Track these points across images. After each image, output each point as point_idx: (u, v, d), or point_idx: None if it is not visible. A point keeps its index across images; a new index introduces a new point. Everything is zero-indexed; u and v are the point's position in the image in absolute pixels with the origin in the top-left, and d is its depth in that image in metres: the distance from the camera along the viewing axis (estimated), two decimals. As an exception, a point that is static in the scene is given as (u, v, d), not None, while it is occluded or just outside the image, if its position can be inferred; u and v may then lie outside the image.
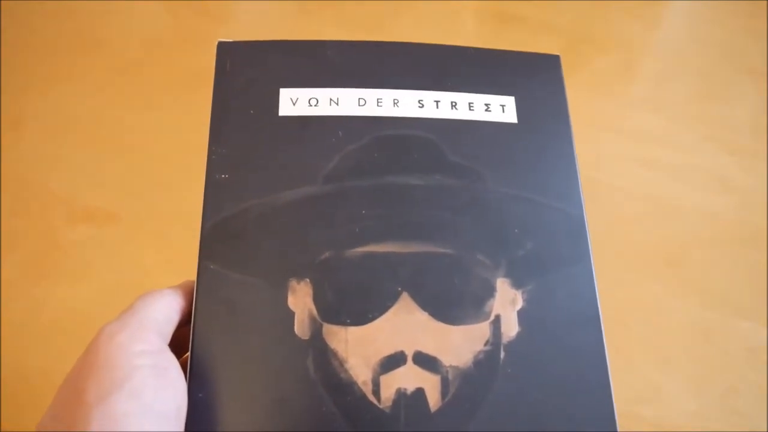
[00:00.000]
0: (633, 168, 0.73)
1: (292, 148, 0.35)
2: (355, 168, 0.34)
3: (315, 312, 0.32)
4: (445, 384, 0.31)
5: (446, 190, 0.34)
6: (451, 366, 0.31)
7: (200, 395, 0.30)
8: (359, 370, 0.31)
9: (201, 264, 0.33)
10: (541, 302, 0.33)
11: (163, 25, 0.86)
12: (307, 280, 0.32)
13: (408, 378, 0.31)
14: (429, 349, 0.32)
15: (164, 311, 0.31)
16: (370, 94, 0.36)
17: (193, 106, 0.67)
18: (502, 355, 0.32)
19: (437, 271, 0.33)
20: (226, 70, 0.37)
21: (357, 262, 0.33)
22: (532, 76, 0.38)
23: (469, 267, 0.33)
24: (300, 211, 0.34)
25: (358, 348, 0.31)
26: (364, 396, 0.31)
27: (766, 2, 0.90)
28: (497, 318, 0.32)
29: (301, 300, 0.32)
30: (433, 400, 0.31)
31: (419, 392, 0.31)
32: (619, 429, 0.31)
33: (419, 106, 0.36)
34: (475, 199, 0.34)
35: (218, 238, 0.33)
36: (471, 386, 0.31)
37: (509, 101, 0.37)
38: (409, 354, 0.31)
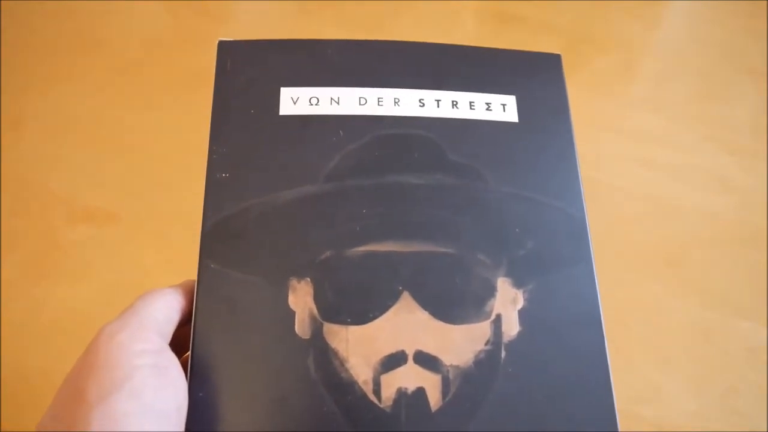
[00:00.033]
0: (633, 168, 0.73)
1: (293, 147, 0.35)
2: (355, 167, 0.34)
3: (315, 311, 0.32)
4: (445, 383, 0.31)
5: (447, 189, 0.34)
6: (451, 365, 0.31)
7: (201, 394, 0.30)
8: (360, 370, 0.31)
9: (202, 263, 0.33)
10: (542, 302, 0.33)
11: (163, 25, 0.86)
12: (308, 279, 0.32)
13: (409, 377, 0.31)
14: (430, 349, 0.31)
15: (165, 310, 0.31)
16: (371, 93, 0.36)
17: (193, 106, 0.67)
18: (503, 354, 0.32)
19: (438, 270, 0.33)
20: (227, 69, 0.36)
21: (358, 261, 0.33)
22: (533, 75, 0.38)
23: (469, 266, 0.33)
24: (301, 210, 0.33)
25: (358, 347, 0.31)
26: (364, 395, 0.31)
27: (766, 2, 0.90)
28: (498, 317, 0.32)
29: (301, 299, 0.32)
30: (434, 399, 0.31)
31: (420, 392, 0.31)
32: (620, 429, 0.31)
33: (420, 105, 0.36)
34: (476, 199, 0.34)
35: (219, 237, 0.33)
36: (472, 386, 0.31)
37: (510, 100, 0.37)
38: (410, 353, 0.31)
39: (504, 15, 0.88)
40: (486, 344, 0.32)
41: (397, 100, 0.36)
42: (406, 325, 0.32)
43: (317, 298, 0.32)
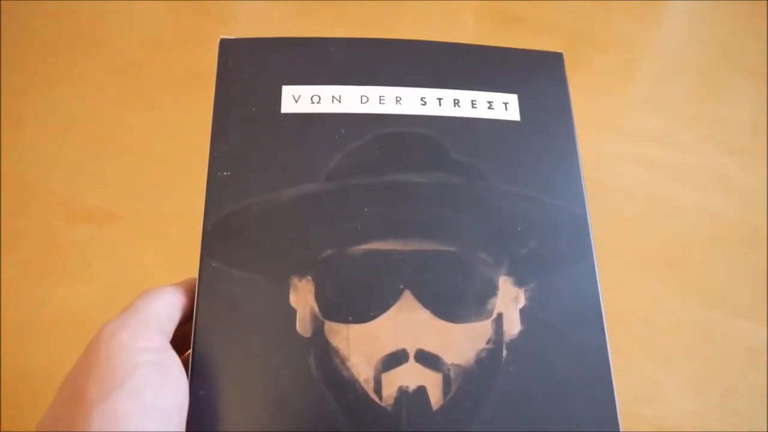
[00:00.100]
0: (633, 168, 0.73)
1: (294, 145, 0.35)
2: (357, 166, 0.34)
3: (317, 309, 0.32)
4: (446, 382, 0.31)
5: (448, 187, 0.34)
6: (453, 364, 0.31)
7: (202, 393, 0.30)
8: (361, 368, 0.31)
9: (203, 261, 0.32)
10: (544, 300, 0.33)
11: (163, 25, 0.86)
12: (309, 277, 0.32)
13: (410, 376, 0.31)
14: (431, 347, 0.31)
15: (166, 308, 0.31)
16: (373, 91, 0.36)
17: (193, 106, 0.67)
18: (504, 353, 0.32)
19: (439, 268, 0.33)
20: (228, 67, 0.36)
21: (359, 259, 0.33)
22: (536, 74, 0.38)
23: (471, 265, 0.33)
24: (302, 208, 0.33)
25: (359, 346, 0.31)
26: (365, 394, 0.31)
27: (766, 2, 0.90)
28: (499, 316, 0.32)
29: (303, 297, 0.32)
30: (435, 398, 0.31)
31: (421, 390, 0.31)
32: (621, 428, 0.31)
33: (422, 104, 0.36)
34: (478, 197, 0.34)
35: (220, 236, 0.33)
36: (473, 384, 0.31)
37: (512, 99, 0.37)
38: (411, 352, 0.31)
39: (504, 15, 0.88)
40: (487, 343, 0.32)
41: (398, 99, 0.36)
42: (407, 323, 0.32)
43: (318, 297, 0.32)
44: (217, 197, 0.34)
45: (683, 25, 0.91)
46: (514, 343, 0.32)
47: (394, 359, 0.31)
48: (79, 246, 0.65)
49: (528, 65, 0.38)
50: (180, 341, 0.31)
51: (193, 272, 0.33)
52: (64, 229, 0.66)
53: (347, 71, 0.37)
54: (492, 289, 0.33)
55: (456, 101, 0.36)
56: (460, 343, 0.32)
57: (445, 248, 0.33)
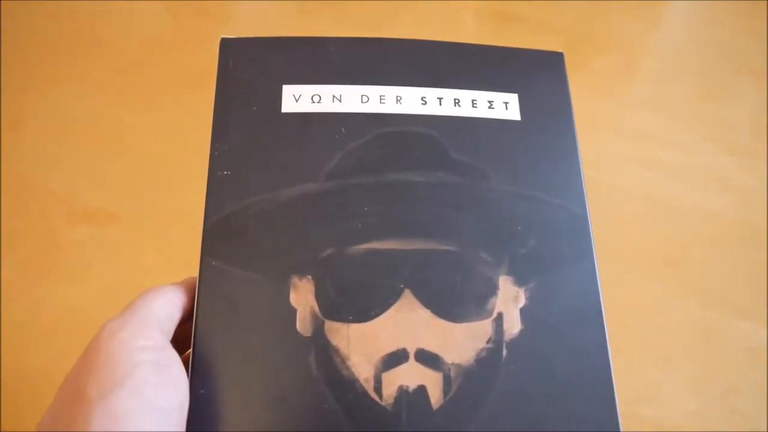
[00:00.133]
0: (633, 168, 0.73)
1: (295, 144, 0.35)
2: (357, 165, 0.34)
3: (317, 309, 0.32)
4: (447, 381, 0.31)
5: (449, 187, 0.34)
6: (453, 363, 0.31)
7: (202, 392, 0.30)
8: (361, 368, 0.31)
9: (203, 260, 0.32)
10: (544, 300, 0.33)
11: (163, 25, 0.86)
12: (309, 276, 0.32)
13: (410, 375, 0.31)
14: (431, 347, 0.31)
15: (166, 308, 0.31)
16: (373, 90, 0.36)
17: (193, 106, 0.67)
18: (505, 352, 0.32)
19: (439, 268, 0.33)
20: (229, 66, 0.36)
21: (359, 259, 0.33)
22: (536, 74, 0.38)
23: (471, 264, 0.33)
24: (302, 208, 0.33)
25: (359, 345, 0.31)
26: (365, 393, 0.31)
27: (766, 2, 0.90)
28: (499, 315, 0.32)
29: (303, 297, 0.32)
30: (435, 397, 0.31)
31: (421, 390, 0.31)
32: (621, 428, 0.31)
33: (422, 103, 0.36)
34: (478, 197, 0.34)
35: (220, 235, 0.33)
36: (473, 384, 0.31)
37: (512, 98, 0.37)
38: (411, 351, 0.31)
39: (504, 15, 0.88)
40: (487, 342, 0.32)
41: (399, 98, 0.36)
42: (407, 323, 0.32)
43: (318, 296, 0.32)
44: (217, 197, 0.34)
45: (683, 25, 0.91)
46: (514, 343, 0.32)
47: (395, 358, 0.31)
48: (79, 246, 0.65)
49: (528, 65, 0.38)
50: (180, 341, 0.31)
51: (193, 272, 0.33)
52: (64, 229, 0.66)
53: (348, 71, 0.37)
54: (492, 289, 0.33)
55: (456, 101, 0.36)
56: (461, 342, 0.32)
57: (445, 248, 0.33)
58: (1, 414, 0.55)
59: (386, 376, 0.31)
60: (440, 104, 0.36)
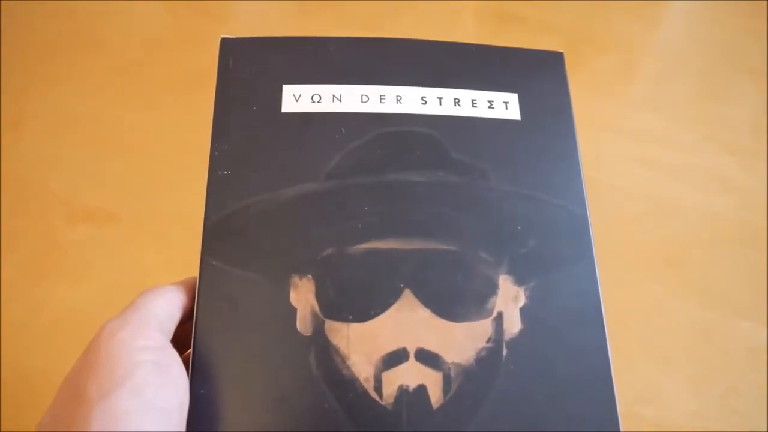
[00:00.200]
0: (633, 168, 0.73)
1: (295, 144, 0.35)
2: (357, 165, 0.34)
3: (317, 308, 0.32)
4: (447, 381, 0.31)
5: (449, 187, 0.34)
6: (453, 363, 0.31)
7: (202, 392, 0.30)
8: (361, 367, 0.31)
9: (203, 260, 0.32)
10: (544, 299, 0.33)
11: (163, 25, 0.86)
12: (310, 276, 0.32)
13: (410, 375, 0.31)
14: (431, 346, 0.31)
15: (166, 308, 0.31)
16: (373, 90, 0.36)
17: (193, 106, 0.67)
18: (505, 352, 0.32)
19: (439, 267, 0.33)
20: (229, 66, 0.36)
21: (359, 258, 0.33)
22: (536, 73, 0.38)
23: (471, 264, 0.33)
24: (302, 207, 0.33)
25: (360, 345, 0.31)
26: (366, 393, 0.31)
27: (766, 2, 0.90)
28: (500, 315, 0.32)
29: (303, 296, 0.32)
30: (435, 397, 0.31)
31: (421, 389, 0.31)
32: (621, 428, 0.31)
33: (422, 103, 0.36)
34: (478, 196, 0.34)
35: (221, 235, 0.33)
36: (473, 383, 0.31)
37: (512, 98, 0.37)
38: (411, 351, 0.31)
39: (504, 15, 0.88)
40: (487, 342, 0.32)
41: (399, 98, 0.36)
42: (407, 322, 0.32)
43: (319, 295, 0.32)
44: (217, 196, 0.34)
45: (683, 25, 0.91)
46: (514, 342, 0.32)
47: (395, 358, 0.31)
48: (79, 246, 0.65)
49: (528, 65, 0.38)
50: (180, 341, 0.31)
51: (194, 272, 0.33)
52: (64, 229, 0.66)
53: (348, 70, 0.37)
54: (492, 288, 0.33)
55: (456, 100, 0.36)
56: (461, 342, 0.32)
57: (445, 247, 0.33)
58: (1, 414, 0.55)
59: (386, 376, 0.31)
60: (440, 104, 0.36)
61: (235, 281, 0.32)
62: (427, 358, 0.31)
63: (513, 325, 0.32)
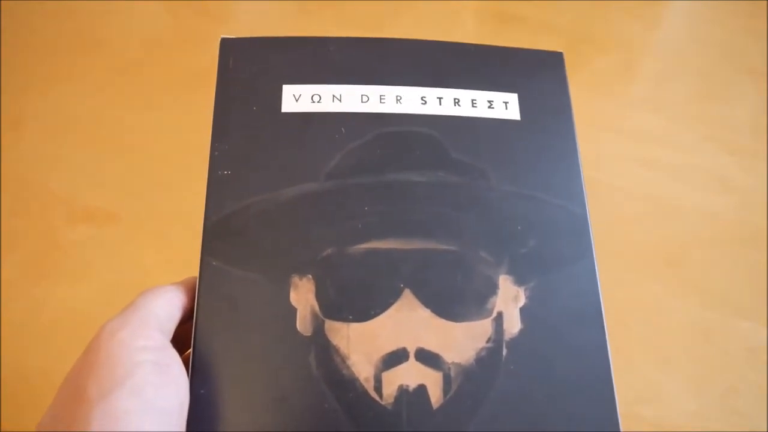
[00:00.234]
0: (633, 168, 0.73)
1: (295, 144, 0.35)
2: (357, 165, 0.34)
3: (317, 308, 0.32)
4: (447, 381, 0.31)
5: (449, 187, 0.34)
6: (453, 363, 0.31)
7: (202, 392, 0.30)
8: (361, 367, 0.31)
9: (203, 260, 0.32)
10: (544, 299, 0.33)
11: (163, 25, 0.86)
12: (310, 276, 0.32)
13: (410, 375, 0.31)
14: (431, 346, 0.31)
15: (166, 308, 0.31)
16: (373, 90, 0.36)
17: (193, 106, 0.67)
18: (504, 352, 0.32)
19: (439, 267, 0.33)
20: (229, 66, 0.36)
21: (359, 258, 0.33)
22: (536, 73, 0.38)
23: (471, 264, 0.33)
24: (302, 207, 0.33)
25: (360, 344, 0.31)
26: (366, 393, 0.31)
27: (766, 2, 0.90)
28: (499, 315, 0.32)
29: (303, 296, 0.32)
30: (435, 397, 0.31)
31: (421, 389, 0.31)
32: (621, 428, 0.31)
33: (422, 103, 0.36)
34: (478, 196, 0.34)
35: (221, 235, 0.33)
36: (473, 383, 0.31)
37: (512, 98, 0.37)
38: (411, 351, 0.31)
39: (504, 15, 0.88)
40: (487, 342, 0.32)
41: (399, 98, 0.36)
42: (407, 322, 0.32)
43: (319, 295, 0.32)
44: (217, 196, 0.34)
45: (683, 25, 0.91)
46: (514, 342, 0.32)
47: (395, 358, 0.31)
48: (79, 246, 0.65)
49: (528, 65, 0.38)
50: (180, 341, 0.31)
51: (193, 272, 0.33)
52: (64, 229, 0.66)
53: (348, 70, 0.37)
54: (492, 288, 0.33)
55: (456, 100, 0.36)
56: (461, 341, 0.32)
57: (445, 247, 0.33)
58: (1, 414, 0.55)
59: (386, 376, 0.31)
60: (440, 104, 0.36)
61: (235, 281, 0.32)
62: (427, 358, 0.31)
63: (513, 325, 0.32)
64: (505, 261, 0.33)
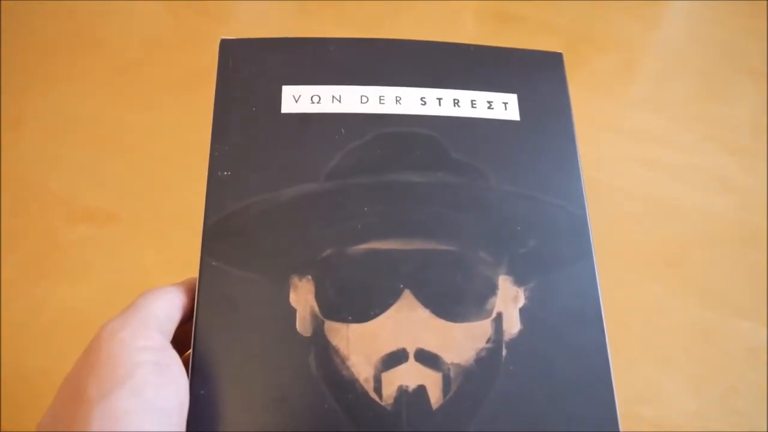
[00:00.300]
0: (633, 168, 0.73)
1: (294, 145, 0.35)
2: (357, 165, 0.34)
3: (317, 309, 0.32)
4: (446, 381, 0.31)
5: (448, 187, 0.34)
6: (452, 363, 0.31)
7: (202, 392, 0.30)
8: (361, 368, 0.31)
9: (203, 261, 0.32)
10: (543, 300, 0.33)
11: (163, 25, 0.86)
12: (309, 277, 0.32)
13: (410, 375, 0.31)
14: (431, 347, 0.31)
15: (166, 308, 0.31)
16: (373, 91, 0.36)
17: (193, 106, 0.67)
18: (504, 352, 0.32)
19: (439, 268, 0.33)
20: (229, 67, 0.36)
21: (359, 259, 0.33)
22: (535, 74, 0.38)
23: (471, 264, 0.33)
24: (302, 208, 0.33)
25: (359, 345, 0.31)
26: (365, 393, 0.31)
27: (766, 2, 0.90)
28: (499, 315, 0.32)
29: (303, 297, 0.32)
30: (435, 397, 0.31)
31: (421, 389, 0.31)
32: (621, 428, 0.31)
33: (421, 104, 0.36)
34: (478, 197, 0.34)
35: (220, 235, 0.33)
36: (473, 384, 0.31)
37: (512, 99, 0.37)
38: (411, 351, 0.31)
39: (504, 15, 0.88)
40: (487, 342, 0.32)
41: (398, 99, 0.36)
42: (407, 323, 0.32)
43: (318, 296, 0.32)
44: (217, 197, 0.34)
45: (683, 25, 0.91)
46: (513, 343, 0.32)
47: (394, 358, 0.31)
48: (79, 246, 0.65)
49: (528, 65, 0.38)
50: (180, 341, 0.31)
51: (193, 272, 0.33)
52: (64, 229, 0.66)
53: (347, 71, 0.37)
54: (492, 289, 0.33)
55: (456, 101, 0.36)
56: (460, 342, 0.32)
57: (444, 247, 0.33)
58: (1, 414, 0.55)
59: (386, 376, 0.31)
60: (440, 104, 0.36)
61: (235, 282, 0.32)
62: (427, 358, 0.31)
63: (512, 326, 0.32)
64: (504, 261, 0.33)
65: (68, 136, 0.73)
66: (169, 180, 0.69)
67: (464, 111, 0.36)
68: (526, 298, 0.33)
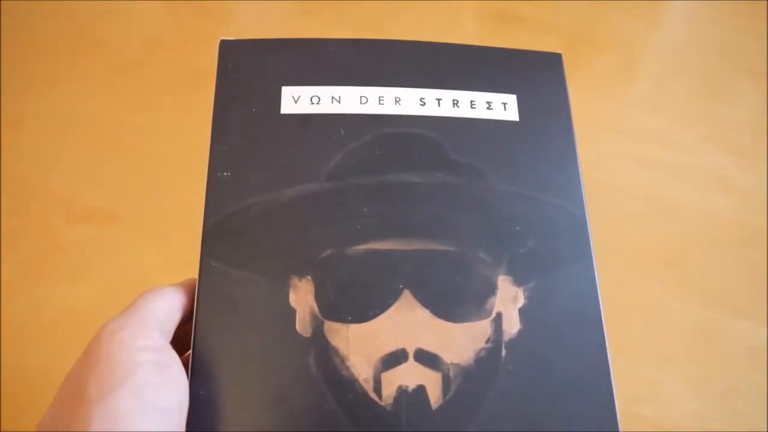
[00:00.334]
0: (633, 168, 0.73)
1: (294, 145, 0.35)
2: (356, 166, 0.34)
3: (316, 309, 0.32)
4: (446, 381, 0.31)
5: (448, 187, 0.34)
6: (452, 363, 0.31)
7: (202, 392, 0.30)
8: (360, 368, 0.31)
9: (203, 261, 0.33)
10: (543, 300, 0.33)
11: (163, 25, 0.86)
12: (309, 277, 0.32)
13: (409, 375, 0.31)
14: (430, 347, 0.31)
15: (166, 308, 0.31)
16: (372, 91, 0.36)
17: (193, 106, 0.67)
18: (504, 352, 0.32)
19: (439, 268, 0.33)
20: (228, 68, 0.37)
21: (358, 259, 0.33)
22: (534, 75, 0.38)
23: (470, 264, 0.33)
24: (302, 208, 0.34)
25: (359, 345, 0.31)
26: (365, 393, 0.31)
27: (766, 2, 0.90)
28: (498, 315, 0.32)
29: (302, 297, 0.32)
30: (435, 397, 0.31)
31: (420, 389, 0.31)
32: (620, 428, 0.31)
33: (421, 104, 0.36)
34: (477, 197, 0.34)
35: (220, 236, 0.33)
36: (472, 384, 0.31)
37: (511, 99, 0.37)
38: (411, 351, 0.31)
39: (504, 15, 0.88)
40: (486, 342, 0.32)
41: (398, 99, 0.36)
42: (406, 323, 0.32)
43: (318, 296, 0.32)
44: (217, 197, 0.34)
45: (683, 25, 0.91)
46: (513, 343, 0.32)
47: (394, 359, 0.31)
48: (79, 246, 0.65)
49: (527, 66, 0.38)
50: (180, 342, 0.31)
51: (193, 272, 0.33)
52: (64, 229, 0.66)
53: (347, 72, 0.37)
54: (491, 289, 0.33)
55: (455, 101, 0.36)
56: (460, 342, 0.32)
57: (444, 248, 0.33)
58: (1, 414, 0.55)
59: (386, 376, 0.31)
60: (439, 105, 0.36)
61: (235, 282, 0.32)
62: (426, 358, 0.31)
63: (512, 326, 0.32)
64: (504, 261, 0.33)
65: (68, 136, 0.73)
66: (169, 180, 0.69)
67: (464, 111, 0.36)
68: (525, 298, 0.33)
